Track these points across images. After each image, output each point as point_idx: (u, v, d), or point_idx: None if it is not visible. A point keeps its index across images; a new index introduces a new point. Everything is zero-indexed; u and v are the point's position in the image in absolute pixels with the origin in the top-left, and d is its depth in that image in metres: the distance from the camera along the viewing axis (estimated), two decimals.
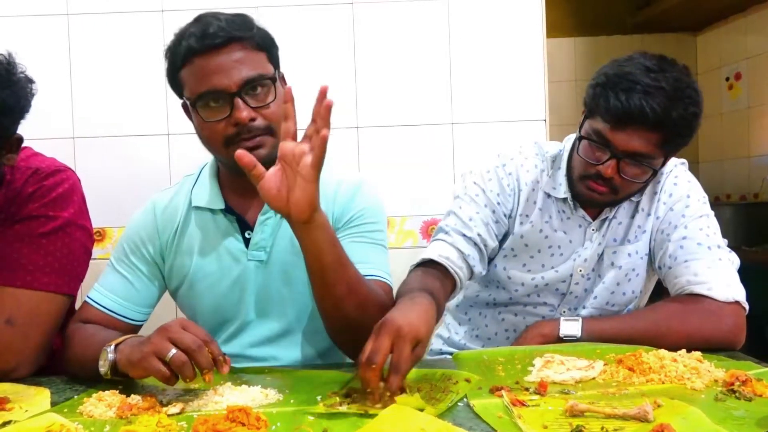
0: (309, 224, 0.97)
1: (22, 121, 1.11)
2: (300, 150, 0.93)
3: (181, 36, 1.10)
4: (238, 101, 1.06)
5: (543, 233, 1.34)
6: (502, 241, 1.38)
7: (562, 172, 1.33)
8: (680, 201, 1.29)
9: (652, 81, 1.13)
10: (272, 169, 0.95)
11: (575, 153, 1.26)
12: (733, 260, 1.23)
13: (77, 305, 1.28)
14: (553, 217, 1.34)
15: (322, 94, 0.93)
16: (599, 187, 1.22)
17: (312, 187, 0.94)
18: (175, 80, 1.14)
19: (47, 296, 1.13)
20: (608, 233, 1.33)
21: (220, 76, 1.06)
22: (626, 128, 1.15)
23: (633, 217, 1.32)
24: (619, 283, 1.33)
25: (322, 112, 0.92)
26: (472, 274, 1.31)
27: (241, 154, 0.94)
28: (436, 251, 1.27)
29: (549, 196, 1.34)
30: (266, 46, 1.13)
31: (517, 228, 1.35)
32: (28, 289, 1.11)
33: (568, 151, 1.34)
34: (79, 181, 1.23)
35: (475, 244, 1.30)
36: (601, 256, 1.33)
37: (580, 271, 1.33)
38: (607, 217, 1.32)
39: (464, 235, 1.30)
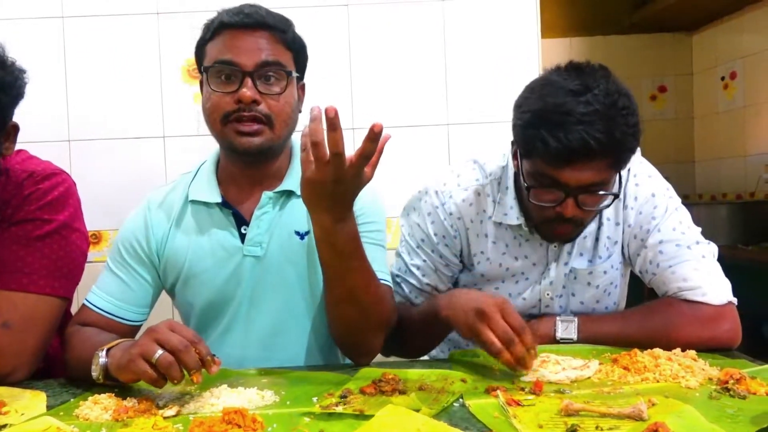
0: (343, 220, 0.99)
1: (20, 123, 1.11)
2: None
3: (221, 12, 1.14)
4: (248, 80, 1.09)
5: (503, 266, 1.27)
6: (462, 275, 1.33)
7: (511, 194, 1.24)
8: (647, 202, 1.22)
9: (584, 107, 1.03)
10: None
11: (528, 201, 1.16)
12: (714, 252, 1.20)
13: (74, 308, 1.28)
14: (510, 245, 1.26)
15: (377, 133, 0.92)
16: (565, 229, 1.15)
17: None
18: (201, 52, 1.17)
19: (43, 299, 1.13)
20: (574, 249, 1.26)
21: (240, 53, 1.10)
22: (574, 164, 1.05)
23: (599, 228, 1.25)
24: (599, 300, 1.28)
25: (374, 159, 0.94)
26: None
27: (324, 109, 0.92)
28: None
29: (501, 224, 1.26)
30: (296, 48, 1.16)
31: (475, 266, 1.29)
32: (24, 292, 1.11)
33: (512, 170, 1.25)
34: (75, 184, 1.23)
35: (426, 293, 1.30)
36: (573, 276, 1.26)
37: (548, 294, 1.27)
38: None
39: (413, 286, 1.30)
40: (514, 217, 1.24)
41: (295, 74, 1.15)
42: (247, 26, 1.11)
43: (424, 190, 1.33)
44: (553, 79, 1.10)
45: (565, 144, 1.03)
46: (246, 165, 1.17)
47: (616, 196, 1.14)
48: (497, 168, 1.29)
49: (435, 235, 1.28)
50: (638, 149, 1.29)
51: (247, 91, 1.08)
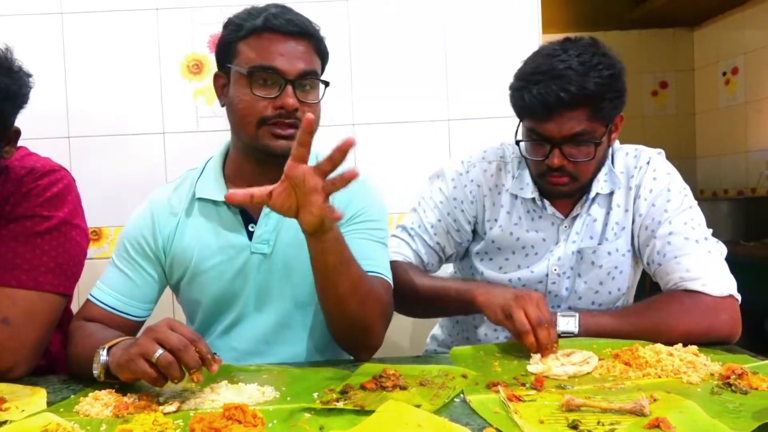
0: (315, 234, 0.99)
1: (18, 122, 1.11)
2: (312, 184, 0.93)
3: (256, 11, 1.14)
4: (290, 88, 1.11)
5: (514, 236, 1.34)
6: (474, 244, 1.40)
7: (528, 171, 1.33)
8: (661, 195, 1.27)
9: (558, 63, 1.16)
10: (279, 189, 0.95)
11: (523, 157, 1.29)
12: (721, 250, 1.23)
13: (74, 305, 1.28)
14: (523, 218, 1.34)
15: (348, 145, 0.91)
16: (559, 179, 1.24)
17: (319, 217, 0.95)
18: (228, 48, 1.16)
19: (43, 296, 1.12)
20: (583, 231, 1.31)
21: (284, 60, 1.11)
22: (551, 117, 1.17)
23: (608, 213, 1.31)
24: (602, 282, 1.32)
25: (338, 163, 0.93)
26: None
27: (230, 195, 0.96)
28: (402, 254, 1.36)
29: (516, 197, 1.34)
30: (324, 56, 1.19)
31: (487, 232, 1.36)
32: (24, 289, 1.11)
33: None
34: (74, 181, 1.23)
35: (435, 251, 1.39)
36: (580, 256, 1.31)
37: (555, 270, 1.32)
38: (578, 214, 1.31)
39: (425, 242, 1.37)
40: (529, 191, 1.32)
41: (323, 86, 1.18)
42: (291, 33, 1.12)
43: (451, 161, 1.44)
44: (539, 49, 1.24)
45: (540, 98, 1.16)
46: (268, 165, 1.14)
47: (598, 144, 1.20)
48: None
49: (454, 199, 1.37)
50: (663, 153, 1.35)
51: (291, 99, 1.09)
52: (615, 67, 1.18)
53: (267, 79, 1.11)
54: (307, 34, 1.13)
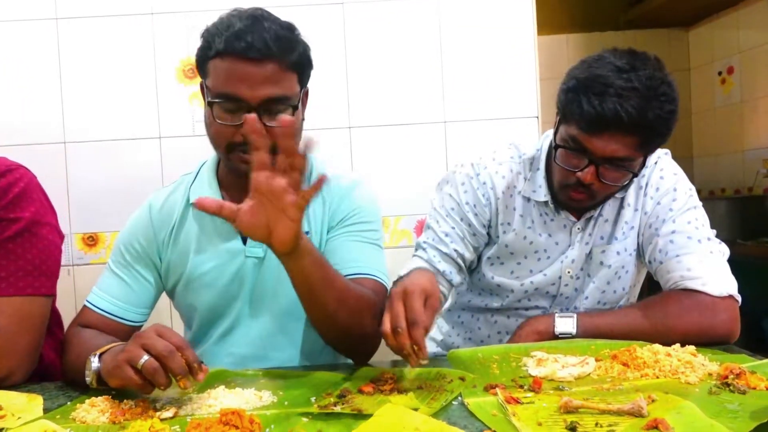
0: (293, 254, 0.95)
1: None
2: (279, 186, 0.87)
3: (227, 26, 1.06)
4: (254, 116, 1.03)
5: (527, 240, 1.33)
6: (487, 248, 1.37)
7: (541, 173, 1.31)
8: (667, 194, 1.27)
9: (624, 82, 1.09)
10: (247, 204, 0.90)
11: (553, 161, 1.23)
12: (724, 251, 1.23)
13: (71, 312, 1.27)
14: (536, 221, 1.32)
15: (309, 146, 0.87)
16: (578, 195, 1.21)
17: (297, 225, 0.90)
18: (202, 64, 1.11)
19: (27, 300, 1.10)
20: (595, 231, 1.31)
21: (245, 87, 1.04)
22: (602, 133, 1.12)
23: (619, 213, 1.30)
24: (609, 282, 1.32)
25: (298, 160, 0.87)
26: (452, 286, 1.34)
27: (199, 201, 0.90)
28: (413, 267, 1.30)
29: (529, 200, 1.32)
30: (301, 66, 1.11)
31: (501, 237, 1.34)
32: (6, 296, 1.08)
33: (545, 151, 1.32)
34: (35, 177, 1.17)
35: (452, 259, 1.33)
36: (589, 256, 1.31)
37: (569, 272, 1.32)
38: (591, 216, 1.30)
39: (440, 251, 1.32)
40: (542, 194, 1.30)
41: (300, 96, 1.11)
42: (252, 59, 1.04)
43: (459, 164, 1.39)
44: (605, 55, 1.16)
45: (599, 111, 1.09)
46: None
47: (635, 174, 1.18)
48: (532, 150, 1.35)
49: (466, 203, 1.34)
50: (669, 153, 1.35)
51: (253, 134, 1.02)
52: (675, 103, 1.12)
53: (230, 107, 1.06)
54: (271, 57, 1.04)
